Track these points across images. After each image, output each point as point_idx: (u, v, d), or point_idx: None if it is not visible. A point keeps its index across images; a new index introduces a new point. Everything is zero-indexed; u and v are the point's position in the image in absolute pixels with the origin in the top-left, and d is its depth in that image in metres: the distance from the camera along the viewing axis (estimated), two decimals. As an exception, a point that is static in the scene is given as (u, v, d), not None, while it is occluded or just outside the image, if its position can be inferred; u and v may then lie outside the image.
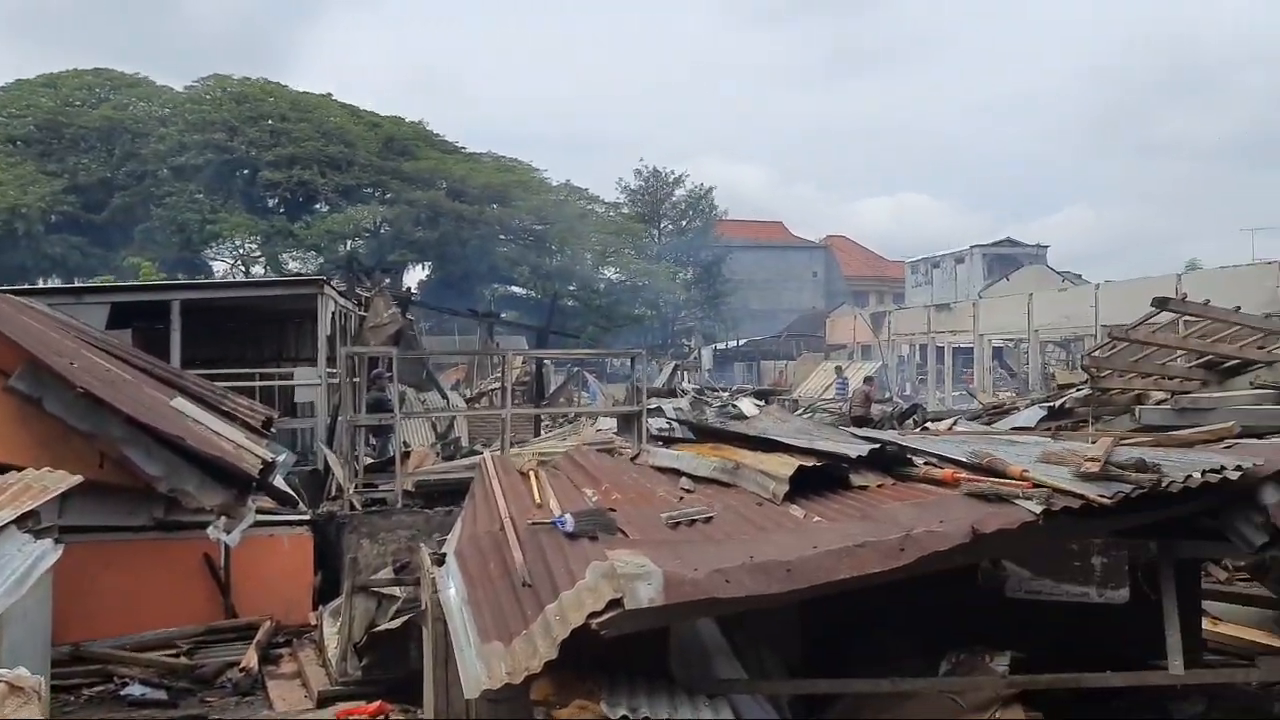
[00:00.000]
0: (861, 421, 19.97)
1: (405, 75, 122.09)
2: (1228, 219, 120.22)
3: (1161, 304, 8.61)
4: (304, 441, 15.53)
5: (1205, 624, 5.76)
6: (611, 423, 15.41)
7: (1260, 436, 6.12)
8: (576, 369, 30.43)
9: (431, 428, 17.17)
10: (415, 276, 47.65)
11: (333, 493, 11.01)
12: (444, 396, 20.65)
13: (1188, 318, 9.37)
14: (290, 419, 15.09)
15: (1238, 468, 4.14)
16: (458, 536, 5.47)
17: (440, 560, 5.13)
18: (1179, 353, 9.44)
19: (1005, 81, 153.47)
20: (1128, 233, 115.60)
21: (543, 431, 16.89)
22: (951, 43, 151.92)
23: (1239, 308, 9.20)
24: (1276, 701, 5.01)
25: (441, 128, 64.44)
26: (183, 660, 8.22)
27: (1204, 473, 4.10)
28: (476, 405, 22.05)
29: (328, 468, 11.94)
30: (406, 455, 11.82)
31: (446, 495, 9.64)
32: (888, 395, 30.26)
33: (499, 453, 9.20)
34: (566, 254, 48.10)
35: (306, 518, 9.70)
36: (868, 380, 24.70)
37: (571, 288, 48.72)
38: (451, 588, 4.62)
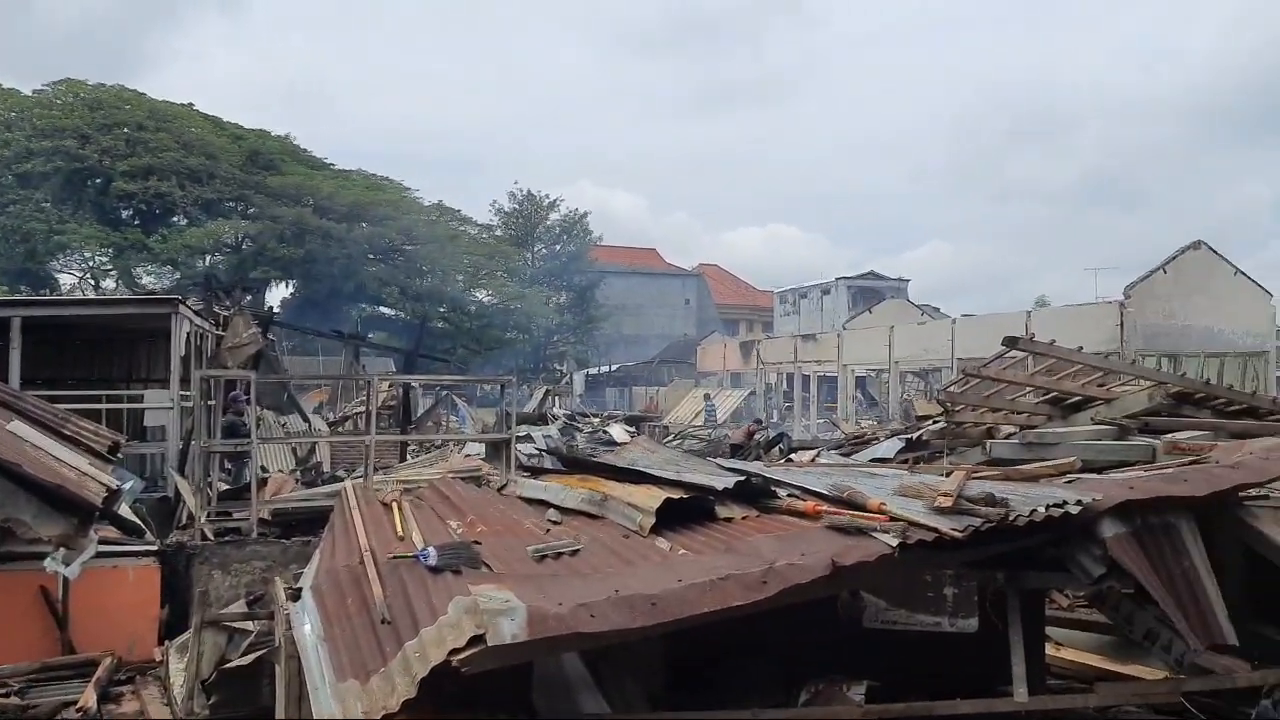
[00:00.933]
0: (735, 450, 20.33)
1: (271, 88, 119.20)
2: (1072, 257, 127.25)
3: (1012, 343, 9.03)
4: (154, 467, 14.85)
5: (1048, 649, 6.03)
6: (479, 450, 15.27)
7: (1100, 471, 6.46)
8: (445, 393, 30.00)
9: (292, 453, 16.67)
10: (278, 295, 46.33)
11: (183, 521, 10.54)
12: (306, 420, 20.08)
13: (1036, 355, 9.85)
14: (140, 443, 14.42)
15: (1078, 503, 4.36)
16: (315, 569, 5.31)
17: (296, 594, 4.97)
18: (1027, 389, 9.91)
19: (872, 122, 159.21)
20: (983, 269, 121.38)
21: (409, 457, 16.61)
22: (822, 83, 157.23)
23: (1081, 347, 9.72)
24: (1112, 724, 5.29)
25: (310, 143, 63.11)
26: (14, 700, 7.71)
27: (1048, 507, 4.30)
28: (340, 430, 21.53)
29: (178, 495, 11.43)
30: (264, 482, 11.40)
31: (306, 524, 9.34)
32: (762, 423, 30.77)
33: (362, 480, 8.99)
34: (437, 275, 47.45)
35: (154, 548, 9.25)
36: (758, 423, 25.26)
37: (441, 309, 48.09)
38: (307, 623, 4.48)
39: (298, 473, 15.02)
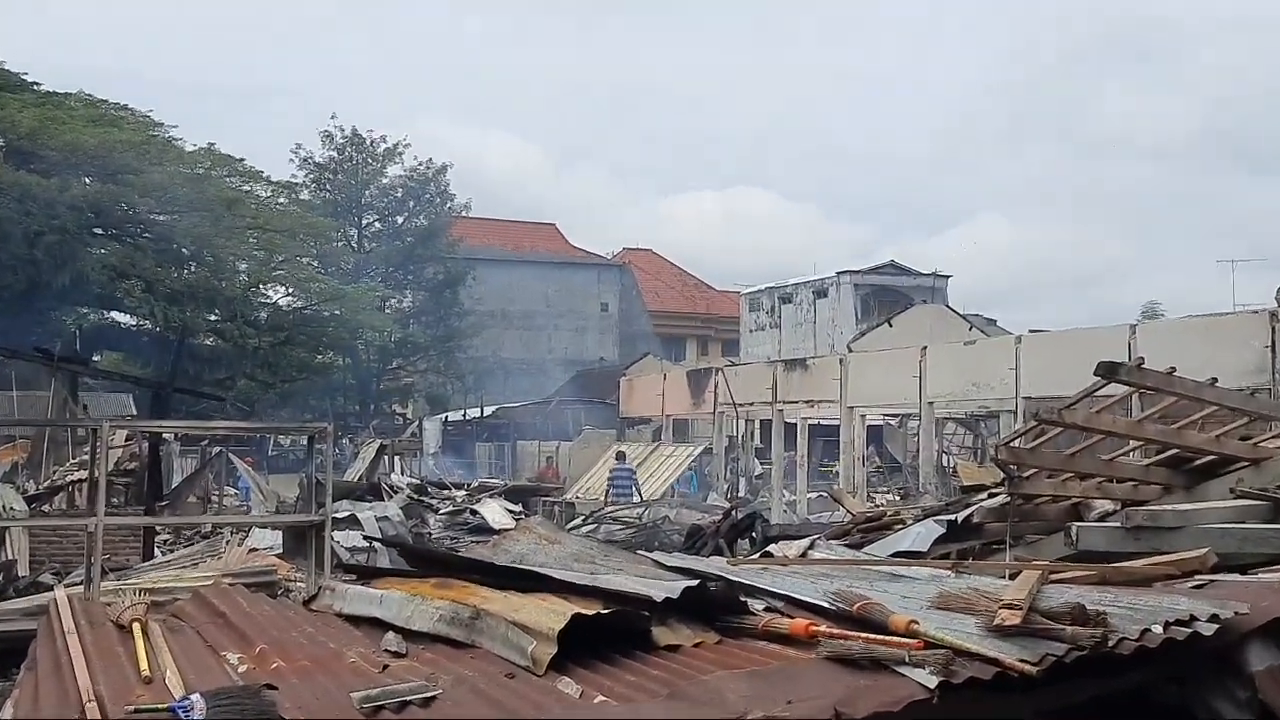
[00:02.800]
0: (695, 535, 20.34)
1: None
2: (1198, 243, 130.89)
3: (1109, 372, 9.14)
4: None
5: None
6: (274, 539, 15.08)
7: (1244, 570, 6.58)
8: (218, 450, 29.62)
9: (-33, 545, 16.31)
10: (-54, 292, 45.43)
11: None
12: (-9, 493, 19.66)
13: (1145, 392, 10.01)
14: None
15: (1213, 618, 4.44)
16: (7, 733, 5.21)
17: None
18: (1132, 444, 10.06)
19: (886, 40, 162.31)
20: (1059, 260, 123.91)
21: (159, 552, 16.36)
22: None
23: (1215, 379, 9.89)
24: None
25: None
26: None
27: (1166, 626, 4.37)
28: (46, 508, 21.11)
29: None
30: (-78, 592, 11.17)
31: (-9, 659, 9.16)
32: (709, 498, 30.94)
33: (82, 590, 8.82)
34: (207, 263, 46.87)
35: None
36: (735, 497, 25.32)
37: (213, 317, 47.47)
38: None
39: (-23, 578, 14.72)
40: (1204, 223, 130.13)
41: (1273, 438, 9.94)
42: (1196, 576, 6.02)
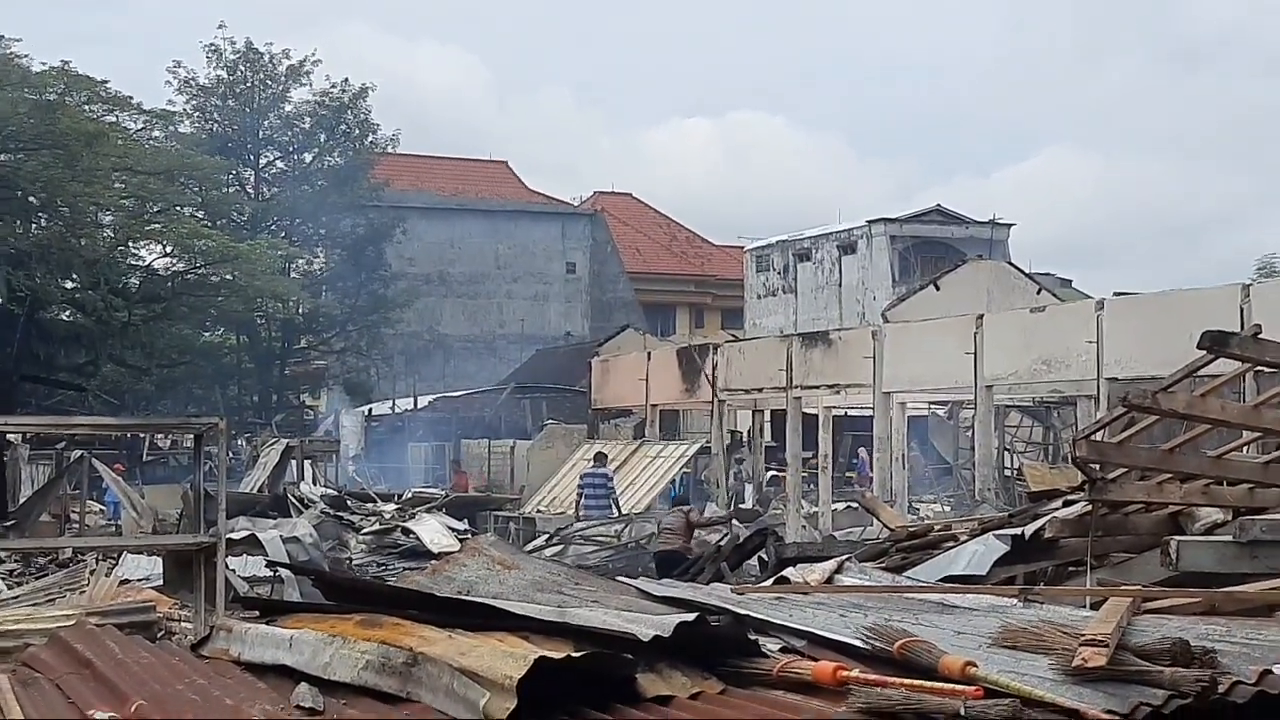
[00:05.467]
0: (669, 563, 20.39)
1: None
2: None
3: (1218, 343, 9.18)
4: None
5: None
6: (153, 566, 15.10)
7: (1389, 595, 6.64)
8: (79, 454, 29.61)
9: None
10: None
11: None
12: None
13: (1262, 369, 10.07)
14: None
15: (1350, 655, 4.48)
16: None
17: None
18: (1248, 436, 10.11)
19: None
20: (1150, 205, 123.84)
21: (3, 585, 16.38)
22: None
23: (1353, 351, 9.96)
24: None
25: None
26: None
27: (1292, 667, 4.41)
28: None
29: None
30: None
31: None
32: (715, 510, 30.96)
33: (-92, 634, 8.82)
34: (61, 214, 46.77)
35: None
36: (683, 506, 25.01)
37: (70, 284, 47.40)
38: None
39: None
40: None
41: None
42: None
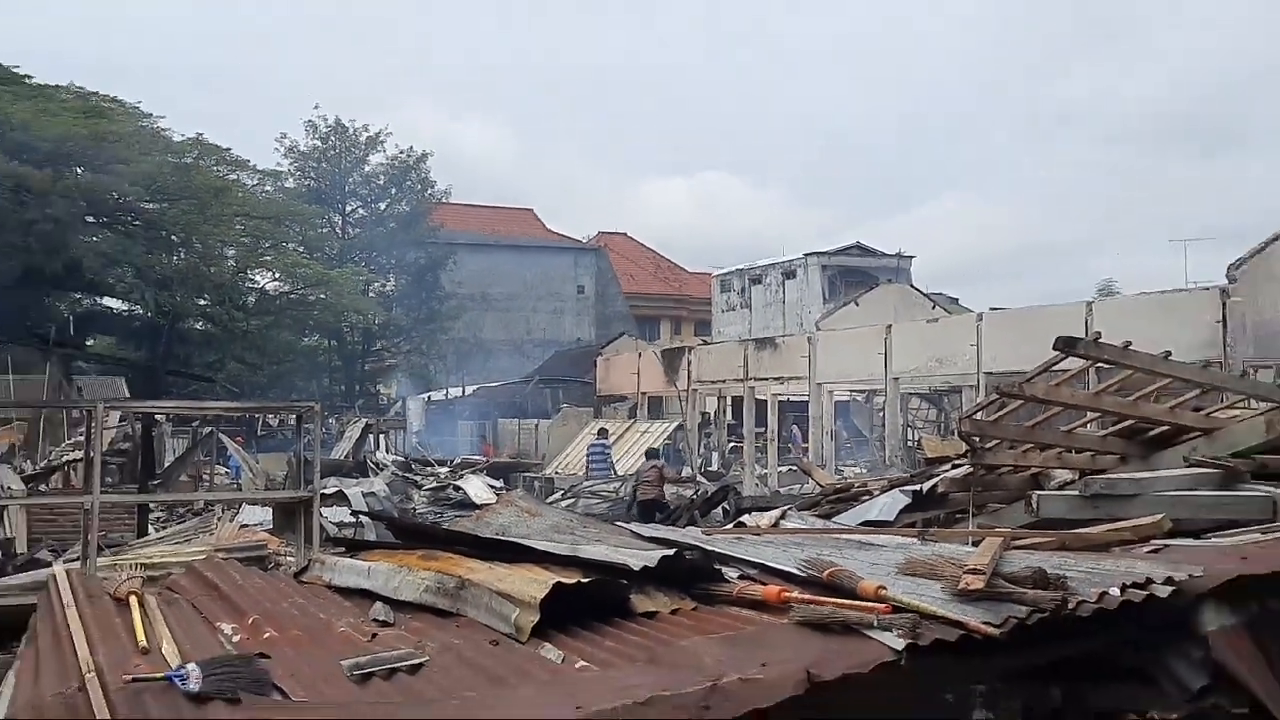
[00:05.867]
0: (651, 510, 20.38)
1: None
2: (1153, 224, 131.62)
3: (1067, 346, 9.16)
4: None
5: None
6: (264, 515, 15.05)
7: (1198, 535, 6.62)
8: (208, 430, 29.49)
9: (-35, 524, 16.26)
10: (-57, 279, 45.12)
11: None
12: (-12, 473, 19.57)
13: (1102, 366, 10.06)
14: None
15: (1168, 580, 4.47)
16: (9, 702, 5.19)
17: (-22, 742, 4.85)
18: (1090, 415, 10.11)
19: (848, 19, 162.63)
20: (1019, 240, 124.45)
21: (153, 529, 16.32)
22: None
23: (1169, 353, 9.94)
24: None
25: (-8, 44, 61.54)
26: None
27: (1124, 589, 4.40)
28: (43, 487, 21.02)
29: None
30: (-78, 570, 11.11)
31: (-10, 634, 9.13)
32: (686, 473, 30.97)
33: (79, 565, 8.79)
34: (195, 249, 46.72)
35: None
36: (652, 455, 25.15)
37: (202, 302, 47.36)
38: (-4, 786, 4.37)
39: (-24, 555, 14.67)
40: (1159, 202, 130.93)
41: (1224, 409, 10.01)
42: (1152, 542, 6.05)
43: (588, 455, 32.92)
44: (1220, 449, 8.72)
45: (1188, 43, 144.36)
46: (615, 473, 30.90)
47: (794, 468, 33.43)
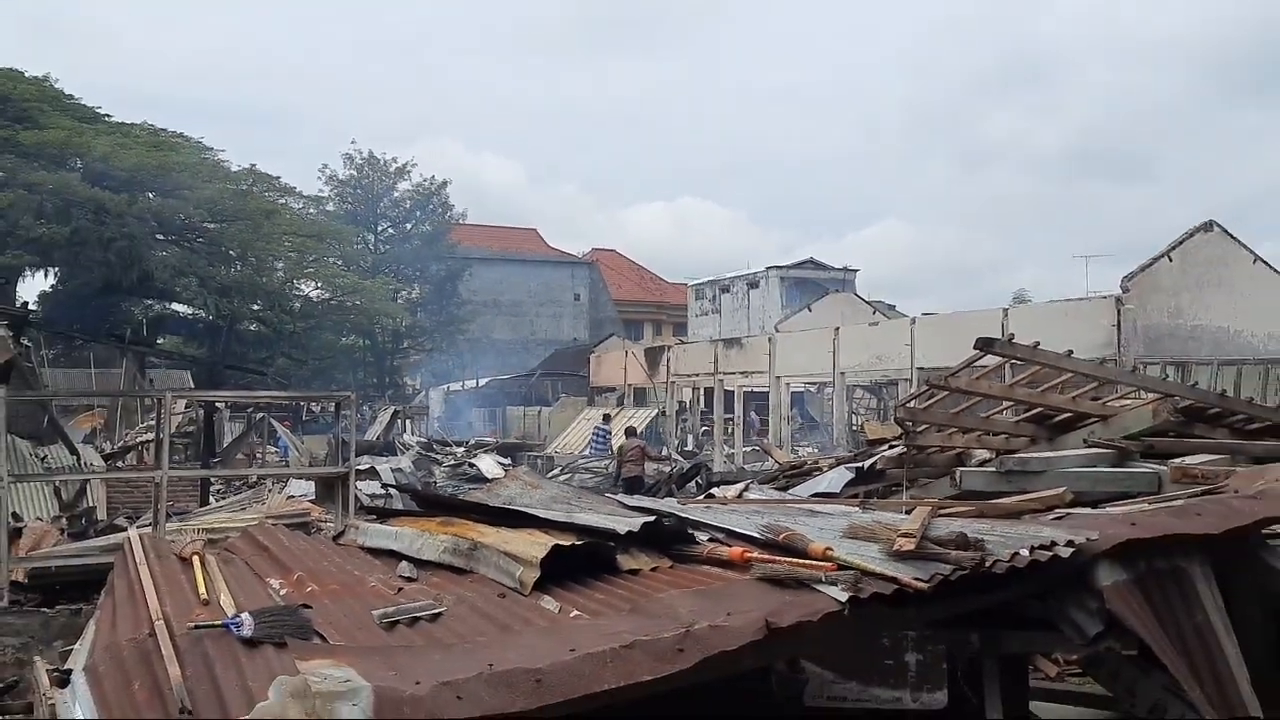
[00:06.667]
0: (635, 485, 20.39)
1: (19, 13, 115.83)
2: (1059, 242, 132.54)
3: (986, 346, 9.21)
4: None
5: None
6: (307, 488, 15.03)
7: (1095, 505, 6.65)
8: (260, 415, 29.44)
9: (55, 494, 16.16)
10: (35, 287, 44.92)
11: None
12: (73, 452, 19.48)
13: (1016, 362, 10.10)
14: None
15: (1069, 544, 4.48)
16: (90, 645, 5.17)
17: (64, 678, 4.82)
18: (1005, 404, 10.15)
19: (807, 69, 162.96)
20: (948, 256, 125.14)
21: (213, 499, 16.32)
22: (731, 19, 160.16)
23: (1071, 351, 9.97)
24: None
25: (76, 87, 61.42)
26: None
27: (1032, 550, 4.41)
28: (120, 464, 20.97)
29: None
30: (18, 533, 11.05)
31: (75, 588, 9.13)
32: (664, 451, 30.99)
33: (151, 530, 8.77)
34: (249, 262, 46.63)
35: None
36: (631, 433, 25.18)
37: (255, 307, 47.30)
38: (79, 714, 4.35)
39: (63, 521, 14.58)
40: (1063, 225, 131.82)
41: (1118, 399, 10.05)
42: (1056, 510, 6.07)
43: (592, 435, 33.25)
44: (1114, 433, 8.76)
45: (1089, 91, 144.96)
46: (612, 450, 31.01)
47: (756, 448, 33.50)
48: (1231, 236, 28.75)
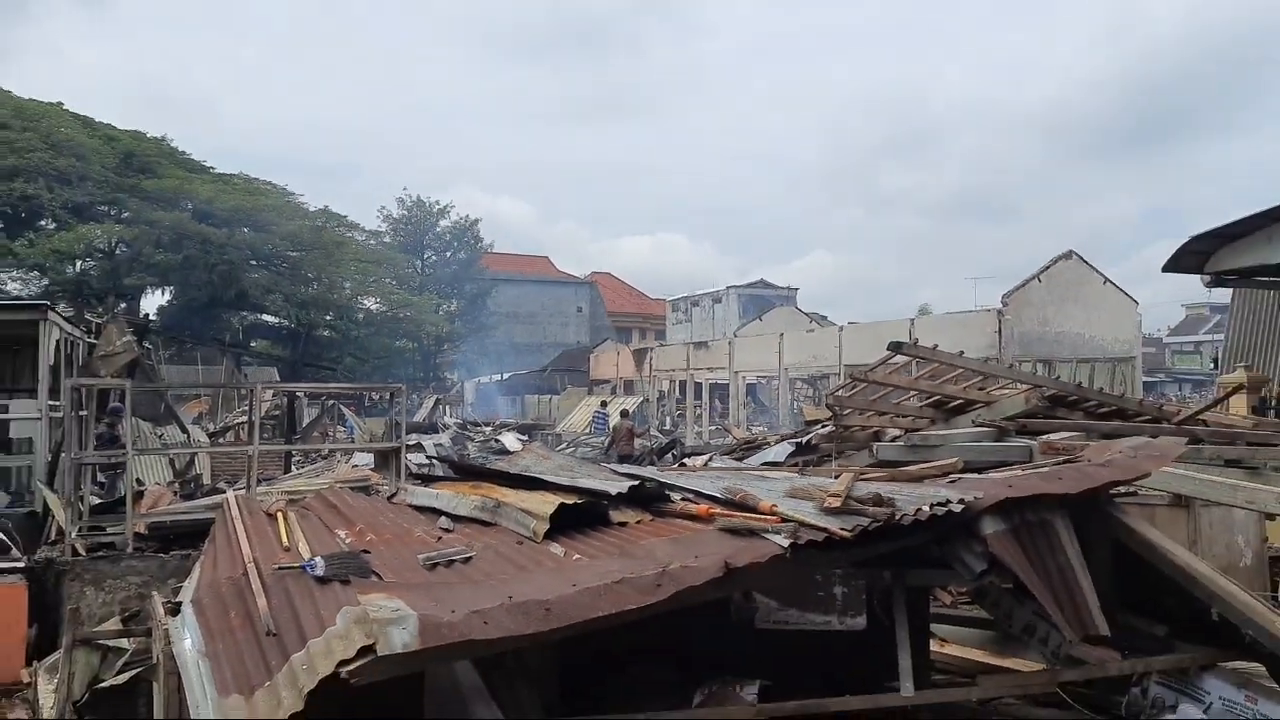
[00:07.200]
0: (626, 458, 20.35)
1: (140, 88, 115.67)
2: (951, 268, 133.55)
3: (896, 348, 9.25)
4: (20, 481, 14.14)
5: (933, 645, 6.20)
6: (368, 459, 14.99)
7: (980, 471, 6.64)
8: (331, 403, 29.35)
9: (170, 465, 16.09)
10: (154, 302, 44.78)
11: (52, 537, 10.08)
12: (184, 431, 19.39)
13: (919, 360, 10.13)
14: (5, 456, 13.72)
15: (960, 501, 4.49)
16: (196, 583, 5.14)
17: (175, 609, 4.80)
18: (911, 393, 10.18)
19: (754, 133, 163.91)
20: (866, 278, 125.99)
21: (293, 469, 16.23)
22: (705, 93, 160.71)
23: (963, 352, 10.01)
24: (994, 716, 5.46)
25: (187, 146, 61.26)
26: None
27: (932, 506, 4.41)
28: (221, 441, 20.89)
29: (47, 510, 10.91)
30: (140, 495, 10.98)
31: (185, 538, 9.03)
32: (647, 429, 30.98)
33: (244, 492, 8.73)
34: (323, 282, 46.56)
35: (20, 565, 8.82)
36: (624, 415, 25.19)
37: (327, 317, 47.23)
38: (187, 638, 4.32)
39: (176, 485, 14.53)
40: (953, 254, 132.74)
41: (999, 389, 10.07)
42: (950, 476, 6.07)
43: (593, 417, 33.33)
44: (996, 415, 8.79)
45: (968, 152, 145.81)
46: (608, 428, 31.02)
47: (719, 427, 33.52)
48: (1086, 263, 28.93)
